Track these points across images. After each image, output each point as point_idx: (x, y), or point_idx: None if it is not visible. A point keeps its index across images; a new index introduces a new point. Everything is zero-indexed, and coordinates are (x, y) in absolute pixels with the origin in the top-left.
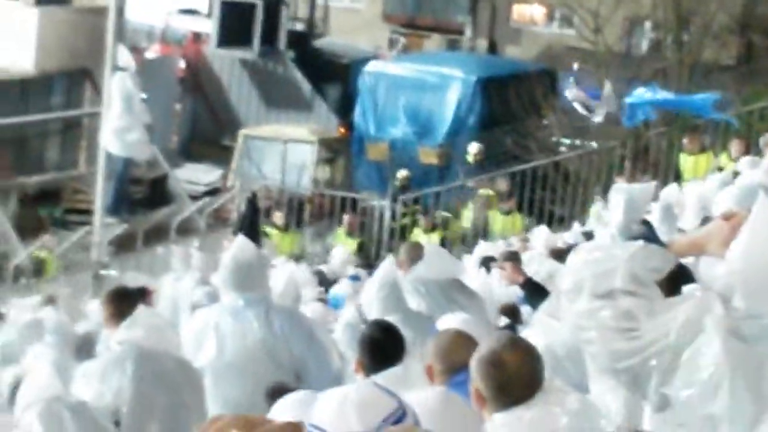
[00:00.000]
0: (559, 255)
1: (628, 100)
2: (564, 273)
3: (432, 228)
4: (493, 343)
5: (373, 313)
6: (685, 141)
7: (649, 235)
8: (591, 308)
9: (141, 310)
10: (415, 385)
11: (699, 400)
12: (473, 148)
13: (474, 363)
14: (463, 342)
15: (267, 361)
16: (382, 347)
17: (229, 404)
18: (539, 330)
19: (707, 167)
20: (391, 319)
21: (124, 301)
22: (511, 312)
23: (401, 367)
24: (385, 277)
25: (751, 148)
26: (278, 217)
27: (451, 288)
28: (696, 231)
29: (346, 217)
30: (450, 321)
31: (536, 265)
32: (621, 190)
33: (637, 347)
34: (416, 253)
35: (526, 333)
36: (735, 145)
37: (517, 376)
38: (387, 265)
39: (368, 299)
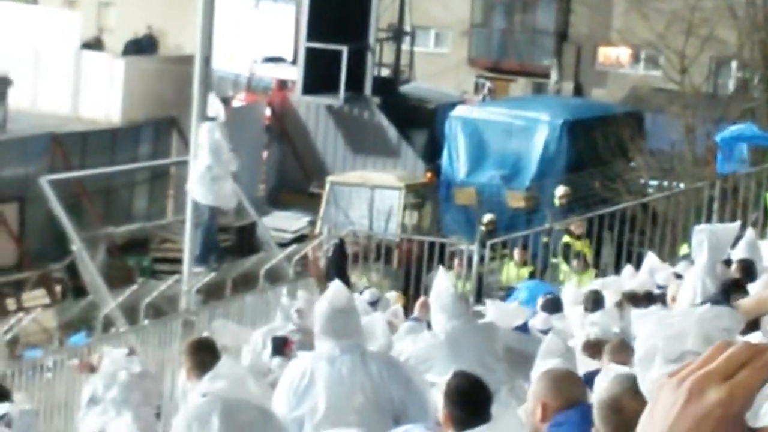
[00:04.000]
0: (636, 301)
1: (718, 137)
2: (636, 341)
3: (524, 263)
4: (615, 387)
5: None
6: None
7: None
8: (664, 374)
9: (224, 361)
10: None
11: None
12: (560, 191)
13: (595, 406)
14: (575, 379)
15: (367, 407)
16: (474, 400)
17: None
18: None
19: None
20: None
21: (206, 353)
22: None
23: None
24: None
25: None
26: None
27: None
28: (764, 289)
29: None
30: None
31: None
32: (704, 230)
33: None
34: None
35: None
36: None
37: (635, 422)
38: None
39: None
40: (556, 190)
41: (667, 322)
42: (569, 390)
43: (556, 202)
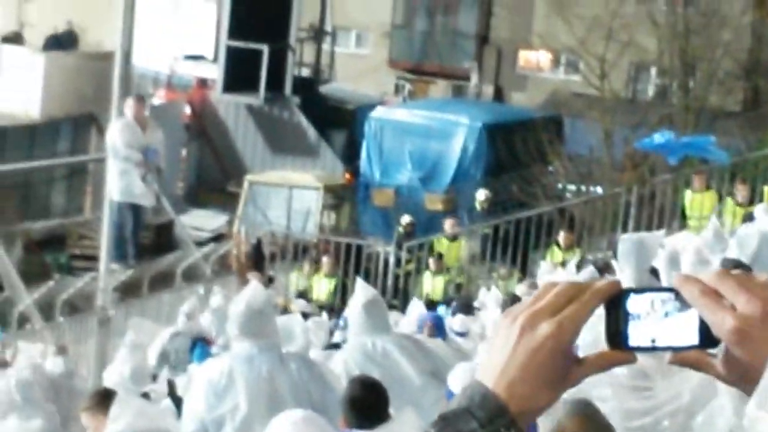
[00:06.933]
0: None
1: (637, 144)
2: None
3: (440, 271)
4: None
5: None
6: (694, 178)
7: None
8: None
9: (118, 398)
10: None
11: None
12: (481, 195)
13: None
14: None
15: (287, 406)
16: (369, 406)
17: None
18: None
19: (712, 205)
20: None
21: (107, 401)
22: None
23: (388, 425)
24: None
25: (756, 193)
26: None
27: None
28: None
29: (325, 259)
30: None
31: None
32: (631, 238)
33: (651, 407)
34: None
35: None
36: (740, 190)
37: None
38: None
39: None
40: (477, 193)
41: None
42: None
43: (477, 206)
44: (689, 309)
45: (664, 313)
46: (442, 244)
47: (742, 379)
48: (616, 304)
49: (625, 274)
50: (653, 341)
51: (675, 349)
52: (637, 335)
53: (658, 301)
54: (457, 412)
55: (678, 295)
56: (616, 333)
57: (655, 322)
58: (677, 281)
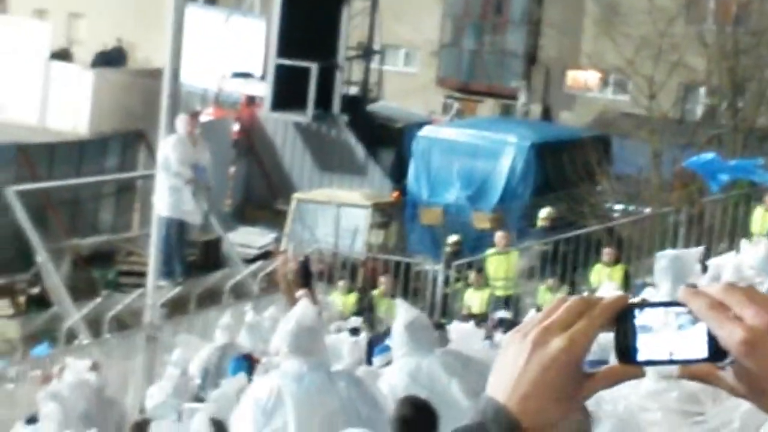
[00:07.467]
0: None
1: (686, 163)
2: None
3: (482, 285)
4: None
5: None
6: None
7: None
8: (657, 389)
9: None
10: None
11: None
12: (543, 212)
13: None
14: None
15: (336, 425)
16: (418, 426)
17: None
18: None
19: None
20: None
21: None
22: None
23: None
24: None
25: None
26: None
27: None
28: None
29: (383, 278)
30: None
31: None
32: (667, 255)
33: None
34: None
35: None
36: None
37: None
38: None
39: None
40: (540, 211)
41: None
42: None
43: (539, 223)
44: (700, 322)
45: (678, 326)
46: (491, 259)
47: (752, 391)
48: (625, 318)
49: (662, 291)
50: (664, 355)
51: (684, 363)
52: (647, 349)
53: (672, 314)
54: (472, 427)
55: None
56: (626, 347)
57: (668, 335)
58: (684, 295)
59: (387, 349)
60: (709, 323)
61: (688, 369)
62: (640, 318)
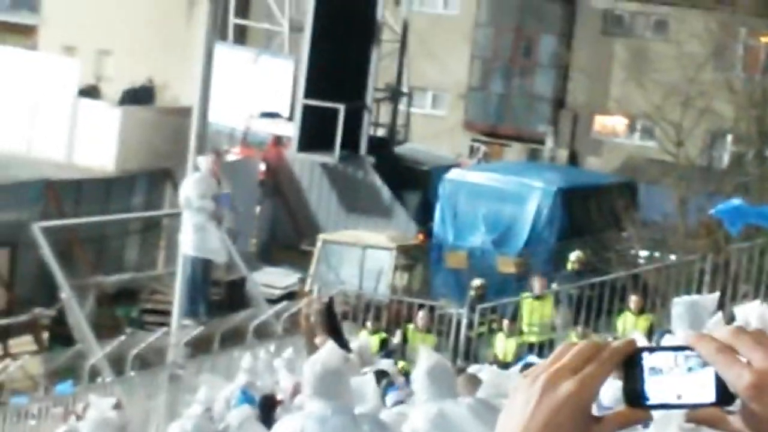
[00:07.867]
0: None
1: (713, 210)
2: None
3: (513, 333)
4: None
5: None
6: None
7: None
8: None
9: None
10: None
11: None
12: (573, 255)
13: None
14: None
15: None
16: None
17: None
18: None
19: None
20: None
21: None
22: None
23: None
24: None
25: None
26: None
27: None
28: None
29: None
30: None
31: None
32: (683, 302)
33: None
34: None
35: None
36: None
37: None
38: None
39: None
40: (570, 254)
41: None
42: None
43: (569, 266)
44: (708, 366)
45: (687, 369)
46: (526, 303)
47: None
48: (633, 362)
49: (678, 337)
50: (672, 398)
51: (692, 407)
52: (655, 393)
53: (681, 358)
54: None
55: None
56: (634, 391)
57: (676, 379)
58: (692, 339)
59: (397, 387)
60: (717, 366)
61: (694, 413)
62: (649, 362)
